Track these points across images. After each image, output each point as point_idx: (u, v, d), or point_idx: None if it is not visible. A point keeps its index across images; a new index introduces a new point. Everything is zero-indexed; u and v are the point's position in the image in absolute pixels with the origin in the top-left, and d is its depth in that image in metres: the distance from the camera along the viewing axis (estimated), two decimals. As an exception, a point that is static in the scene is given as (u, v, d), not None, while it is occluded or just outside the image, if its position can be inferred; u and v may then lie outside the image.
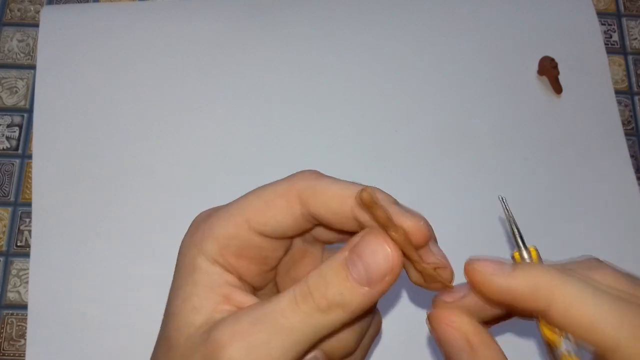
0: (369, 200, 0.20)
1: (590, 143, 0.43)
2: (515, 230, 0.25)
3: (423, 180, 0.42)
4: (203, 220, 0.24)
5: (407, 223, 0.22)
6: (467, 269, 0.23)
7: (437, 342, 0.23)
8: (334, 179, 0.23)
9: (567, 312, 0.21)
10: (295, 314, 0.21)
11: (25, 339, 0.37)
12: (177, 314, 0.23)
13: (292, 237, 0.24)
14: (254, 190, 0.24)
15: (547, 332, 0.22)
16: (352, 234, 0.23)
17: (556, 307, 0.21)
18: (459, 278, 0.24)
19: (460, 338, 0.22)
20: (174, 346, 0.22)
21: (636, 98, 0.46)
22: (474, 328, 0.22)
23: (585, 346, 0.21)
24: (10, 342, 0.37)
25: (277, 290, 0.26)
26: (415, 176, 0.42)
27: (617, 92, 0.45)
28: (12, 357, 0.37)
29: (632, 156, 0.43)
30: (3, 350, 0.37)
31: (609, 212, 0.42)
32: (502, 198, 0.24)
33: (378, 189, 0.23)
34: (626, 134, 0.44)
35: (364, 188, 0.21)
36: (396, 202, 0.23)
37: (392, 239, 0.21)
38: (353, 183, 0.23)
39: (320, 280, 0.21)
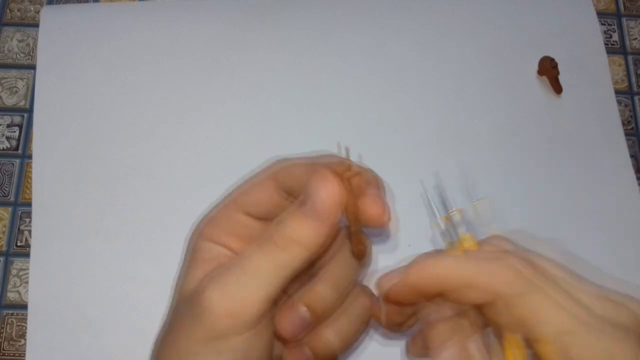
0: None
1: (590, 143, 0.43)
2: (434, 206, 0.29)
3: (422, 180, 0.42)
4: (205, 216, 0.28)
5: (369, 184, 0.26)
6: (377, 285, 0.27)
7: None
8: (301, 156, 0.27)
9: (453, 283, 0.24)
10: (259, 256, 0.24)
11: (25, 339, 0.37)
12: (179, 287, 0.26)
13: (273, 218, 0.27)
14: (240, 184, 0.28)
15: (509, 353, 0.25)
16: None
17: (448, 285, 0.24)
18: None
19: None
20: (173, 308, 0.26)
21: (636, 98, 0.46)
22: None
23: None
24: (11, 342, 0.37)
25: None
26: (415, 176, 0.41)
27: (617, 92, 0.45)
28: (12, 357, 0.37)
29: (632, 156, 0.43)
30: (3, 350, 0.37)
31: (609, 212, 0.42)
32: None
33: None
34: (626, 134, 0.44)
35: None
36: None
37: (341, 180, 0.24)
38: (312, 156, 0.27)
39: (279, 224, 0.24)
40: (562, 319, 0.23)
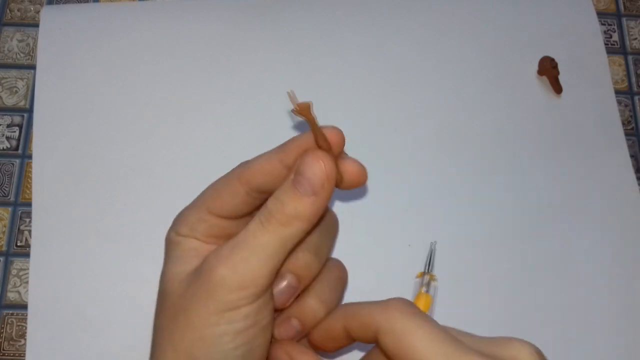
0: (305, 107, 0.25)
1: (590, 143, 0.43)
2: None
3: (423, 180, 0.42)
4: (178, 217, 0.30)
5: (328, 129, 0.27)
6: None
7: None
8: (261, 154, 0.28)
9: (397, 342, 0.24)
10: (264, 233, 0.26)
11: (25, 339, 0.37)
12: (167, 273, 0.28)
13: (247, 215, 0.29)
14: (209, 187, 0.30)
15: None
16: None
17: (385, 338, 0.25)
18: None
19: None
20: (170, 293, 0.27)
21: (636, 98, 0.46)
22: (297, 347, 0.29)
23: None
24: (10, 342, 0.37)
25: None
26: (415, 176, 0.42)
27: (617, 92, 0.45)
28: (12, 357, 0.37)
29: (632, 156, 0.43)
30: (3, 350, 0.37)
31: (609, 211, 0.42)
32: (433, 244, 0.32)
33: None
34: (626, 134, 0.44)
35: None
36: None
37: (321, 148, 0.26)
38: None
39: (277, 203, 0.26)
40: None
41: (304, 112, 0.25)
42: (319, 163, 0.26)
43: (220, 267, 0.26)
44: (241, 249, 0.26)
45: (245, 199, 0.28)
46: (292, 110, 0.25)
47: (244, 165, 0.29)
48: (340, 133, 0.27)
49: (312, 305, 0.30)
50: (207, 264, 0.26)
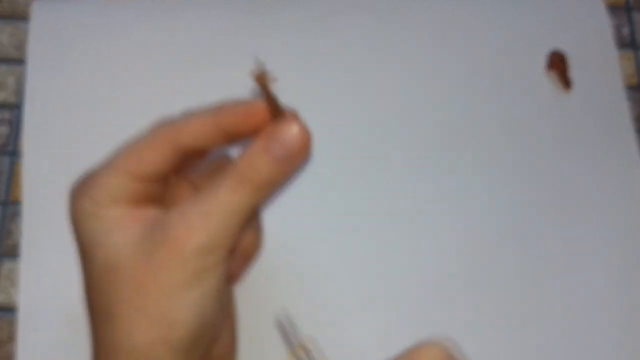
0: (261, 74, 0.26)
1: (599, 139, 0.43)
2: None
3: (426, 179, 0.42)
4: (85, 185, 0.28)
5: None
6: None
7: None
8: (187, 113, 0.28)
9: None
10: (238, 198, 0.26)
11: (14, 342, 0.37)
12: (104, 246, 0.27)
13: (167, 176, 0.29)
14: (124, 147, 0.28)
15: None
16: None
17: None
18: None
19: None
20: (122, 266, 0.26)
21: (647, 94, 0.45)
22: None
23: None
24: (0, 345, 0.37)
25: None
26: (417, 175, 0.42)
27: (627, 88, 0.45)
28: (2, 362, 0.36)
29: (642, 153, 0.43)
30: (-8, 354, 0.37)
31: (619, 208, 0.42)
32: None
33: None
34: (636, 130, 0.44)
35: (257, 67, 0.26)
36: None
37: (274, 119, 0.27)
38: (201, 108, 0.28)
39: (252, 169, 0.26)
40: None
41: (261, 80, 0.26)
42: (295, 128, 0.27)
43: (195, 236, 0.26)
44: (215, 216, 0.26)
45: (172, 160, 0.28)
46: (253, 76, 0.26)
47: (171, 125, 0.28)
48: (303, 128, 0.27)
49: None
50: (175, 232, 0.26)
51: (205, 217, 0.26)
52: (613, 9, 0.47)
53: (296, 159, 0.27)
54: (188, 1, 0.45)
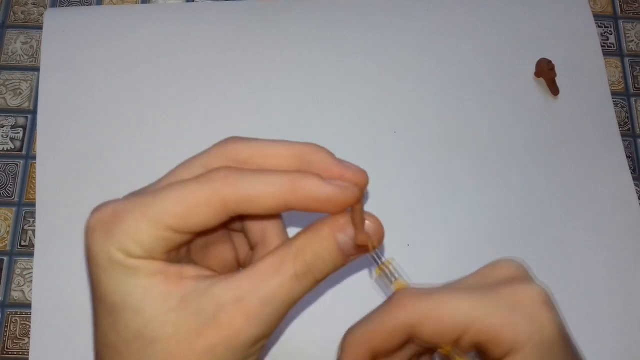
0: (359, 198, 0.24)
1: (587, 144, 0.44)
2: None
3: (422, 180, 0.42)
4: (111, 225, 0.24)
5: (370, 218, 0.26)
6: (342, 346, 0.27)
7: None
8: (255, 172, 0.24)
9: (428, 325, 0.24)
10: (300, 289, 0.24)
11: (28, 337, 0.37)
12: (141, 311, 0.23)
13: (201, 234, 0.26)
14: (170, 189, 0.23)
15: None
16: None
17: (420, 327, 0.25)
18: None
19: None
20: (153, 340, 0.23)
21: (632, 99, 0.46)
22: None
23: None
24: (14, 340, 0.38)
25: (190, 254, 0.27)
26: (414, 176, 0.42)
27: (614, 94, 0.46)
28: (16, 356, 0.37)
29: (628, 157, 0.44)
30: (7, 348, 0.37)
31: (606, 212, 0.42)
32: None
33: (320, 147, 0.26)
34: (622, 135, 0.44)
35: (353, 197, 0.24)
36: (334, 156, 0.26)
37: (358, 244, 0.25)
38: (273, 172, 0.24)
39: (319, 259, 0.24)
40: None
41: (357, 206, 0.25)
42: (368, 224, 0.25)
43: (252, 323, 0.23)
44: (273, 304, 0.23)
45: (223, 220, 0.24)
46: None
47: (234, 183, 0.23)
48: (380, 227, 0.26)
49: None
50: (229, 315, 0.23)
51: (265, 306, 0.23)
52: (600, 17, 0.48)
53: (354, 256, 0.25)
54: (197, 8, 0.46)
